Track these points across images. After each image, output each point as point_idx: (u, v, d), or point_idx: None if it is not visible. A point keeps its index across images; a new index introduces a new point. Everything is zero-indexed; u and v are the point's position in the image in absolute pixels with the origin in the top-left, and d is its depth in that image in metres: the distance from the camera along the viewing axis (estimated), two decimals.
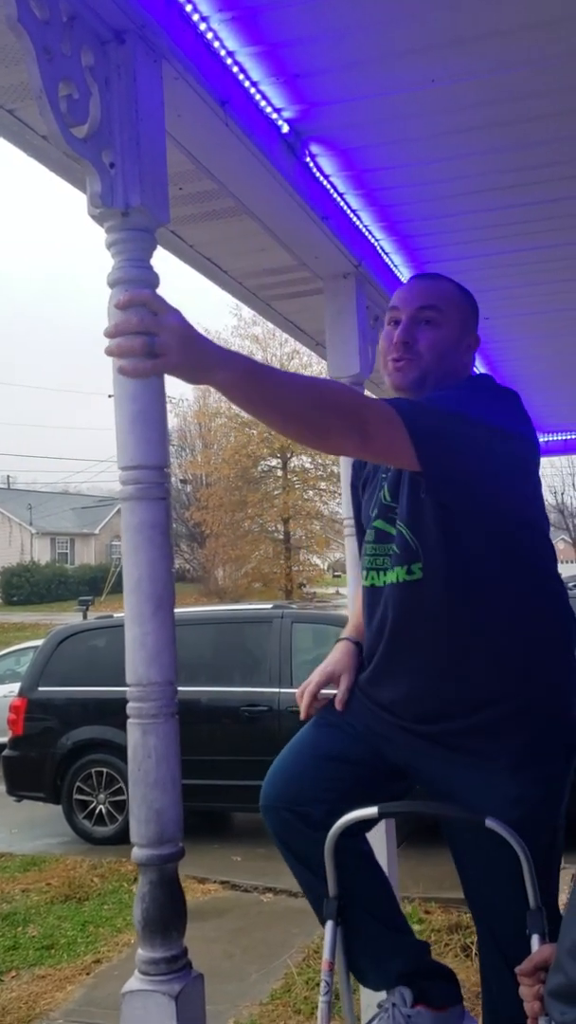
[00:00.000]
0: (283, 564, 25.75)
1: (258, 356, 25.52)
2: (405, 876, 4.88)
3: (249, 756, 6.15)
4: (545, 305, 3.74)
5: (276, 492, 25.07)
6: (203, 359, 1.50)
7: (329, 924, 1.86)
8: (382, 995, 2.05)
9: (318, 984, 1.91)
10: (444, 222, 2.88)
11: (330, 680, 2.06)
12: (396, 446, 1.66)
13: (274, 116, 2.17)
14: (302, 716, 2.05)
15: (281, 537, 26.00)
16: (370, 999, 2.62)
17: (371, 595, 1.97)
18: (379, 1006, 1.94)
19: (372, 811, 1.80)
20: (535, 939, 1.65)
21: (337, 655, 2.11)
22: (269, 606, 7.52)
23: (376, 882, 1.99)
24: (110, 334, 1.48)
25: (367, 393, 3.04)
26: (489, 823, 1.67)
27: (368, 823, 1.89)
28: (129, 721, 1.59)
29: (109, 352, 1.50)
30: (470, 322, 1.99)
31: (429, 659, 1.86)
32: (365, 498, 2.07)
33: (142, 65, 1.62)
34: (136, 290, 1.53)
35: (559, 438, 6.21)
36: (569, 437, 6.27)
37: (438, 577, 1.82)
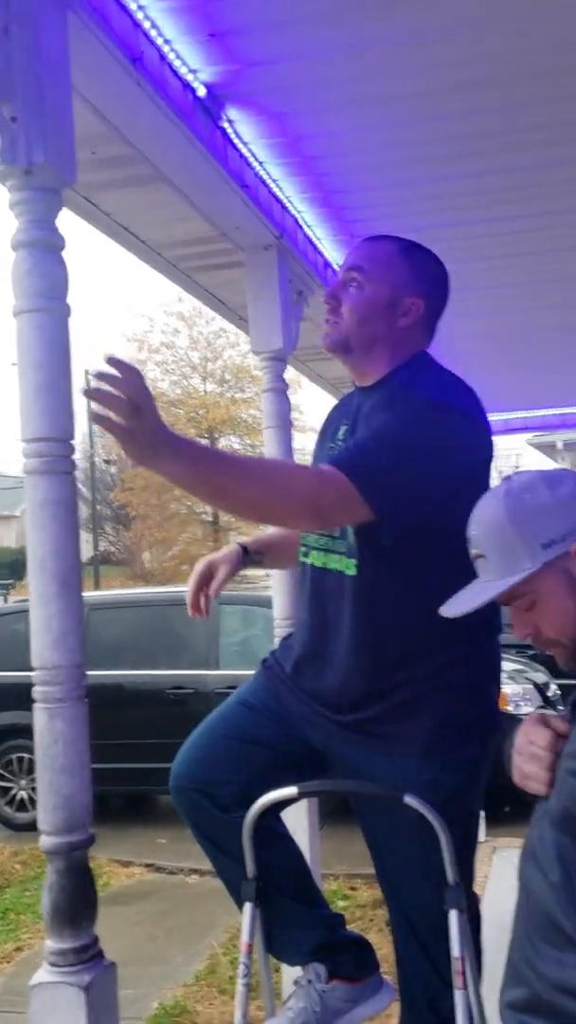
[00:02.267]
0: (212, 546, 25.65)
1: (184, 334, 25.29)
2: (330, 854, 4.90)
3: (175, 739, 5.97)
4: (481, 283, 3.72)
5: None
6: (158, 449, 1.47)
7: (247, 906, 1.83)
8: (299, 972, 2.03)
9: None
10: (370, 195, 2.84)
11: (209, 571, 2.02)
12: (351, 512, 1.68)
13: (189, 77, 2.09)
14: (189, 610, 2.02)
15: (210, 519, 25.87)
16: (291, 979, 2.61)
17: (314, 576, 1.92)
18: (296, 983, 1.92)
19: (292, 791, 1.77)
20: (454, 914, 1.65)
21: (222, 551, 2.10)
22: None
23: (291, 860, 1.97)
24: (93, 397, 1.40)
25: (290, 370, 3.00)
26: (408, 799, 1.66)
27: (282, 803, 1.86)
28: (35, 706, 1.53)
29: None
30: (410, 283, 1.88)
31: (353, 650, 1.83)
32: None
33: (46, 13, 1.54)
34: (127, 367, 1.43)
35: (500, 417, 6.25)
36: (510, 417, 6.31)
37: (370, 576, 1.80)
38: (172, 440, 1.48)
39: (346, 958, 1.93)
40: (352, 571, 1.81)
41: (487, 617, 1.77)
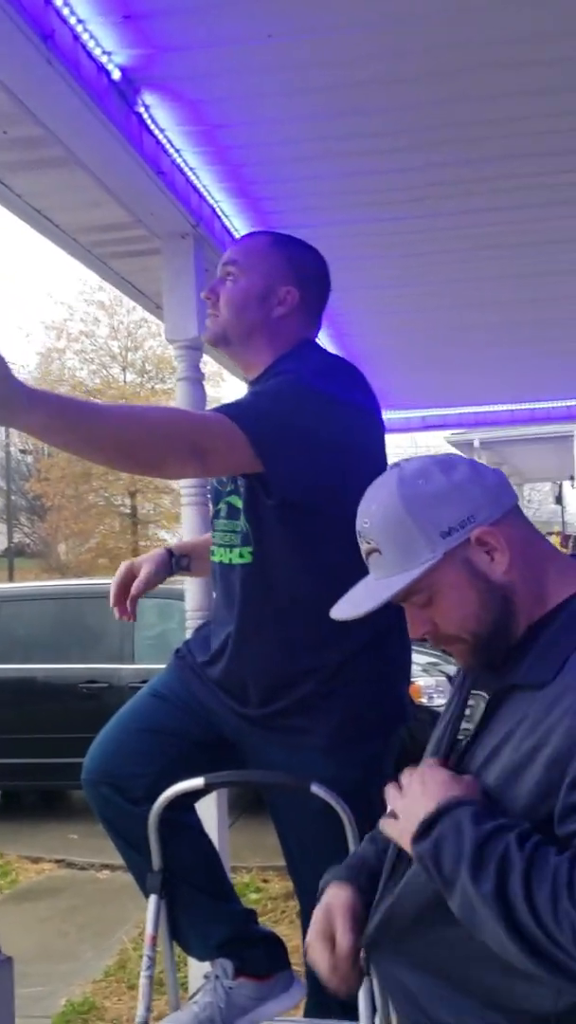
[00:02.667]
0: (130, 539, 25.37)
1: (104, 323, 24.91)
2: (244, 846, 4.91)
3: (88, 733, 5.89)
4: (398, 281, 3.76)
5: None
6: (11, 401, 1.36)
7: (152, 898, 1.81)
8: (207, 967, 2.03)
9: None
10: (287, 187, 2.84)
11: (131, 572, 2.00)
12: (237, 459, 1.62)
13: (104, 59, 2.06)
14: (116, 614, 1.99)
15: (128, 511, 25.59)
16: (199, 972, 2.61)
17: (221, 572, 1.91)
18: (204, 977, 1.91)
19: (198, 782, 1.76)
20: None
21: (146, 556, 2.08)
22: (110, 581, 7.36)
23: (200, 853, 1.95)
24: None
25: (205, 358, 2.98)
26: (314, 788, 1.67)
27: (194, 795, 1.85)
28: None
29: None
30: (284, 273, 1.89)
31: (254, 642, 1.83)
32: None
33: None
34: None
35: (400, 415, 6.32)
36: (427, 414, 6.39)
37: (267, 563, 1.79)
38: (28, 391, 1.40)
39: (254, 954, 1.92)
40: (247, 559, 1.80)
41: (395, 609, 1.81)
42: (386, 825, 1.21)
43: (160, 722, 1.91)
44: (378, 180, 2.77)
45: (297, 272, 1.91)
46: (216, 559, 1.92)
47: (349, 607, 1.27)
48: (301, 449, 1.67)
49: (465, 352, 4.96)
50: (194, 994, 1.91)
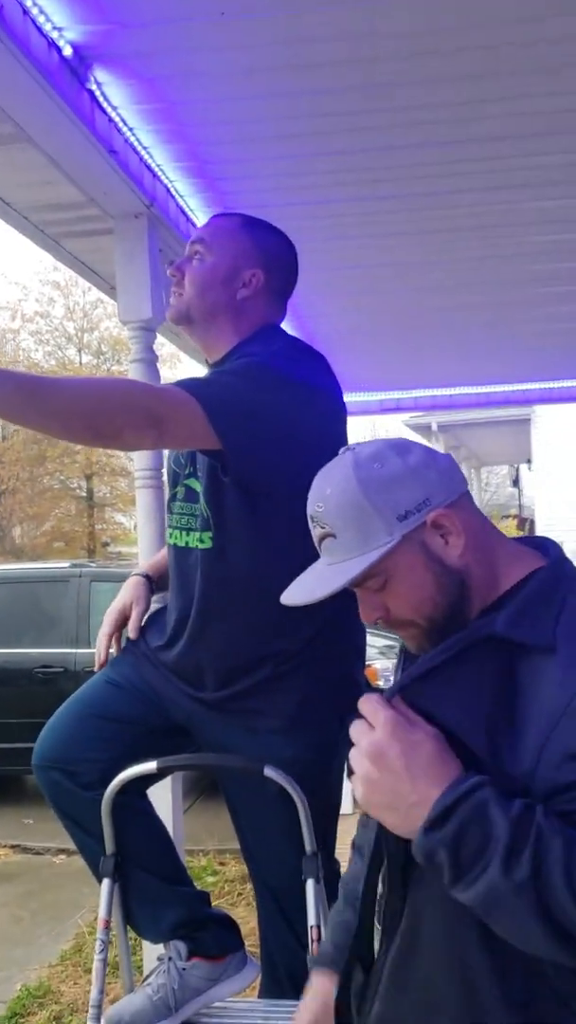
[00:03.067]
0: (86, 522, 25.16)
1: (59, 303, 24.60)
2: (201, 829, 4.92)
3: (43, 718, 5.93)
4: (356, 262, 3.74)
5: (78, 447, 24.34)
6: None
7: (106, 882, 1.81)
8: (161, 949, 2.03)
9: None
10: (244, 167, 2.81)
11: (123, 616, 2.01)
12: (194, 431, 1.60)
13: (55, 35, 2.02)
14: (96, 666, 1.99)
15: (84, 494, 25.36)
16: (154, 955, 2.61)
17: (177, 555, 1.90)
18: (158, 960, 1.91)
19: (151, 766, 1.76)
20: (310, 884, 1.67)
21: (127, 590, 2.07)
22: (66, 565, 7.31)
23: (153, 837, 1.96)
24: None
25: (159, 340, 2.95)
26: (268, 771, 1.67)
27: (147, 779, 1.84)
28: None
29: None
30: (250, 255, 1.89)
31: (213, 625, 1.83)
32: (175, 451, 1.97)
33: None
34: None
35: (358, 398, 6.32)
36: (384, 398, 6.39)
37: (228, 547, 1.78)
38: None
39: (207, 936, 1.93)
40: (207, 544, 1.80)
41: (350, 593, 1.81)
42: (368, 803, 1.07)
43: (114, 709, 1.90)
44: (335, 161, 2.75)
45: (264, 255, 1.90)
46: (172, 541, 1.91)
47: (302, 592, 1.23)
48: (261, 429, 1.66)
49: (422, 335, 4.97)
50: (147, 976, 1.91)
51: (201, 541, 1.81)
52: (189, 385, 1.63)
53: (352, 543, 1.17)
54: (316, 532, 1.22)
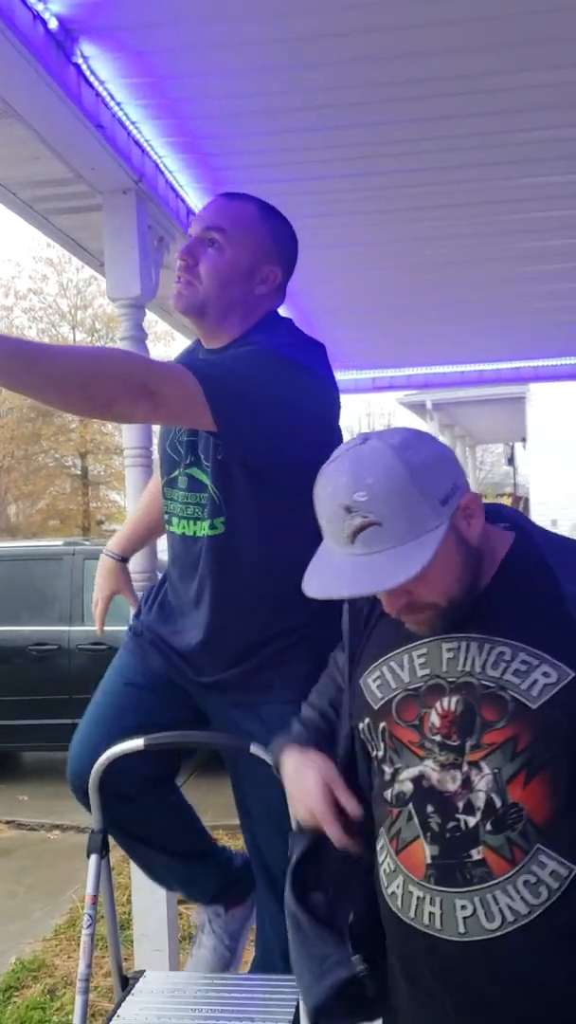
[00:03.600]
0: (80, 500, 25.12)
1: (52, 280, 24.44)
2: (196, 804, 4.96)
3: (38, 695, 6.02)
4: (349, 239, 3.72)
5: (72, 425, 24.25)
6: None
7: (93, 858, 1.83)
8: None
9: (103, 917, 1.90)
10: (235, 142, 2.78)
11: (114, 596, 2.18)
12: (190, 407, 1.58)
13: (40, 7, 1.99)
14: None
15: (79, 472, 25.30)
16: (144, 928, 2.64)
17: (181, 543, 1.90)
18: (198, 925, 2.17)
19: (138, 743, 1.77)
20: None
21: (111, 578, 2.16)
22: (60, 543, 7.31)
23: (187, 826, 2.10)
24: None
25: (148, 315, 2.94)
26: (254, 749, 1.68)
27: (171, 770, 1.94)
28: None
29: None
30: (270, 251, 1.85)
31: (233, 607, 1.83)
32: (171, 437, 1.94)
33: None
34: None
35: (351, 376, 6.30)
36: (376, 376, 6.37)
37: (239, 531, 1.78)
38: None
39: (237, 889, 2.10)
40: (219, 529, 1.80)
41: None
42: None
43: (139, 716, 1.91)
44: (327, 136, 2.73)
45: (280, 251, 1.87)
46: (176, 530, 1.90)
47: (354, 584, 1.17)
48: (258, 408, 1.64)
49: (416, 313, 4.95)
50: (195, 940, 2.15)
51: (213, 527, 1.80)
52: (188, 362, 1.62)
53: (401, 530, 1.15)
54: (353, 522, 1.17)
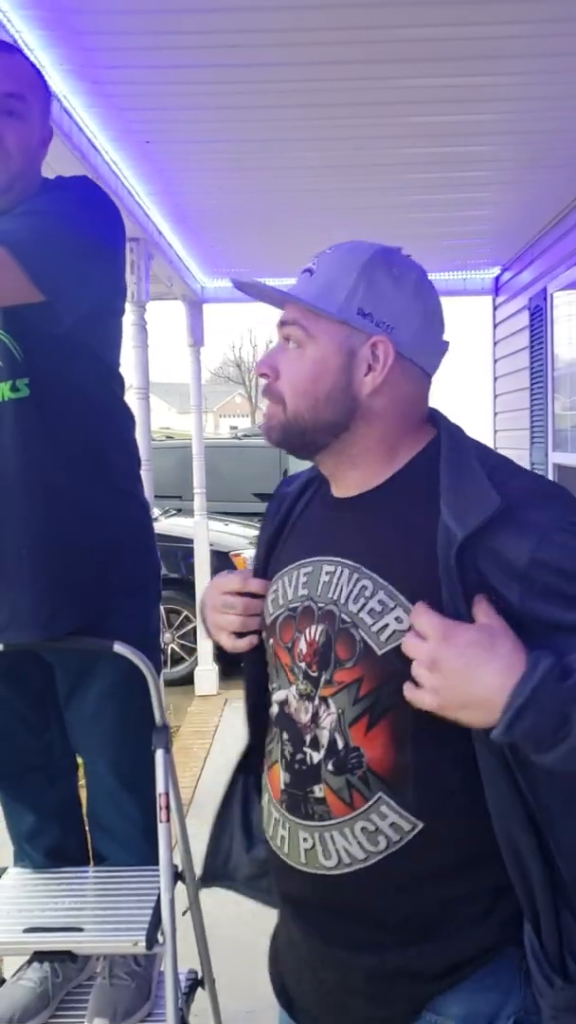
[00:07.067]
0: None
1: None
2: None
3: None
4: (214, 135, 3.56)
5: None
6: None
7: None
8: None
9: None
10: (99, 22, 2.60)
11: None
12: (12, 287, 1.43)
13: None
14: None
15: None
16: None
17: None
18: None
19: None
20: (160, 754, 1.71)
21: None
22: None
23: None
24: None
25: None
26: (117, 647, 1.67)
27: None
28: None
29: None
30: (47, 110, 1.70)
31: (42, 493, 1.64)
32: None
33: None
34: None
35: (226, 284, 6.13)
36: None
37: (50, 395, 1.61)
38: None
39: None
40: (22, 392, 1.61)
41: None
42: (442, 708, 1.01)
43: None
44: (201, 20, 2.58)
45: (51, 105, 1.74)
46: None
47: (263, 288, 1.18)
48: (81, 278, 1.53)
49: (297, 218, 4.80)
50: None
51: (15, 389, 1.61)
52: (4, 240, 1.42)
53: (316, 286, 1.13)
54: (306, 266, 1.18)
